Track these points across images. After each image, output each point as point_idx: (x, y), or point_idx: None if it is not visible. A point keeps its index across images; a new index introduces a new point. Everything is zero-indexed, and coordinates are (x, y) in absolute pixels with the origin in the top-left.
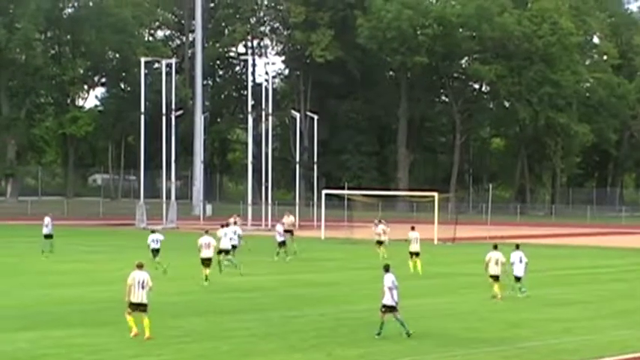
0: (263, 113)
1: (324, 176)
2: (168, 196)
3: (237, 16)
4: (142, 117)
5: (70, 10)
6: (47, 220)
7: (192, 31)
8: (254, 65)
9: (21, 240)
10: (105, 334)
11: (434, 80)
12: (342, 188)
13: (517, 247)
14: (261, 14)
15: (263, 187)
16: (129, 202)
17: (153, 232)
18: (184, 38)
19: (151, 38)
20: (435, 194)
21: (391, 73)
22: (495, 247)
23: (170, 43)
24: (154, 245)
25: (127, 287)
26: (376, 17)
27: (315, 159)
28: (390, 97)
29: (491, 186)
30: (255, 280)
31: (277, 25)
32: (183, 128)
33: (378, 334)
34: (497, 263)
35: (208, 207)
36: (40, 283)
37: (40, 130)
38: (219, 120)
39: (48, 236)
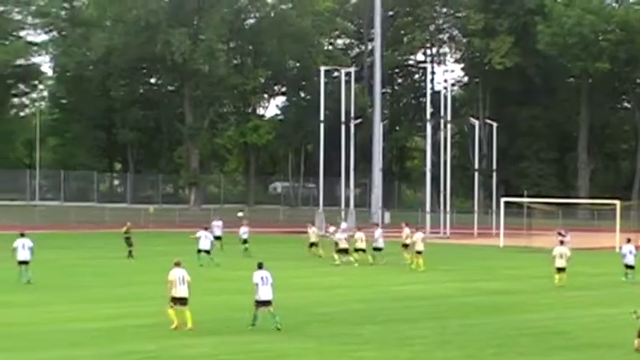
0: (442, 121)
1: (503, 184)
2: (347, 204)
3: (417, 24)
4: (322, 125)
5: (252, 21)
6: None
7: (372, 40)
8: (433, 73)
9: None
10: (284, 339)
11: (616, 86)
12: (522, 196)
13: (628, 240)
14: (440, 22)
15: (441, 195)
16: (308, 209)
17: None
18: (363, 47)
19: (330, 47)
20: (617, 202)
21: (572, 79)
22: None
23: (349, 51)
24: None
25: (169, 284)
26: (557, 23)
27: (494, 166)
28: (571, 103)
29: None
30: (432, 288)
31: (456, 32)
32: (362, 136)
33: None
34: (562, 257)
35: (387, 214)
36: (213, 289)
37: (222, 139)
38: (397, 128)
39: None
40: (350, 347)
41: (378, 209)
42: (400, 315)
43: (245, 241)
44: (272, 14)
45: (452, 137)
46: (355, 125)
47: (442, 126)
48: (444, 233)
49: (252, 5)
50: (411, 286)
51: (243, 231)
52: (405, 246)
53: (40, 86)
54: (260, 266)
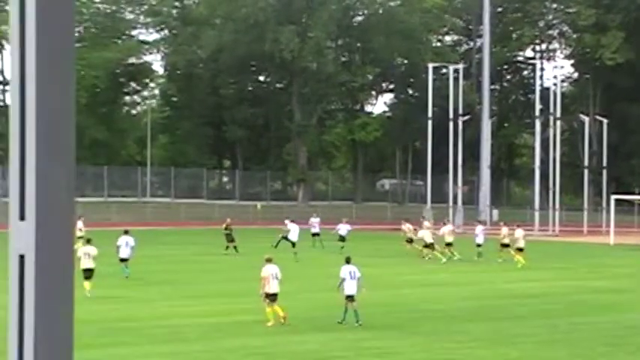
0: (551, 117)
1: (614, 181)
2: (455, 201)
3: (526, 20)
4: (430, 122)
5: (360, 18)
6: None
7: (480, 36)
8: (542, 69)
9: (306, 244)
10: (392, 336)
11: None
12: (633, 193)
13: None
14: (550, 17)
15: (550, 192)
16: (416, 206)
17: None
18: (472, 43)
19: (438, 44)
20: None
21: None
22: None
23: (458, 48)
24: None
25: (263, 280)
26: None
27: (604, 164)
28: None
29: None
30: (541, 285)
31: (566, 28)
32: (470, 133)
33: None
34: None
35: (495, 212)
36: (311, 286)
37: (330, 136)
38: (506, 124)
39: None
40: (458, 345)
41: (486, 206)
42: (509, 313)
43: (342, 239)
44: (380, 11)
45: (561, 134)
46: (463, 122)
47: (551, 123)
48: (553, 231)
49: (360, 2)
50: (519, 284)
51: (338, 228)
52: (505, 245)
53: (152, 84)
54: (348, 261)
